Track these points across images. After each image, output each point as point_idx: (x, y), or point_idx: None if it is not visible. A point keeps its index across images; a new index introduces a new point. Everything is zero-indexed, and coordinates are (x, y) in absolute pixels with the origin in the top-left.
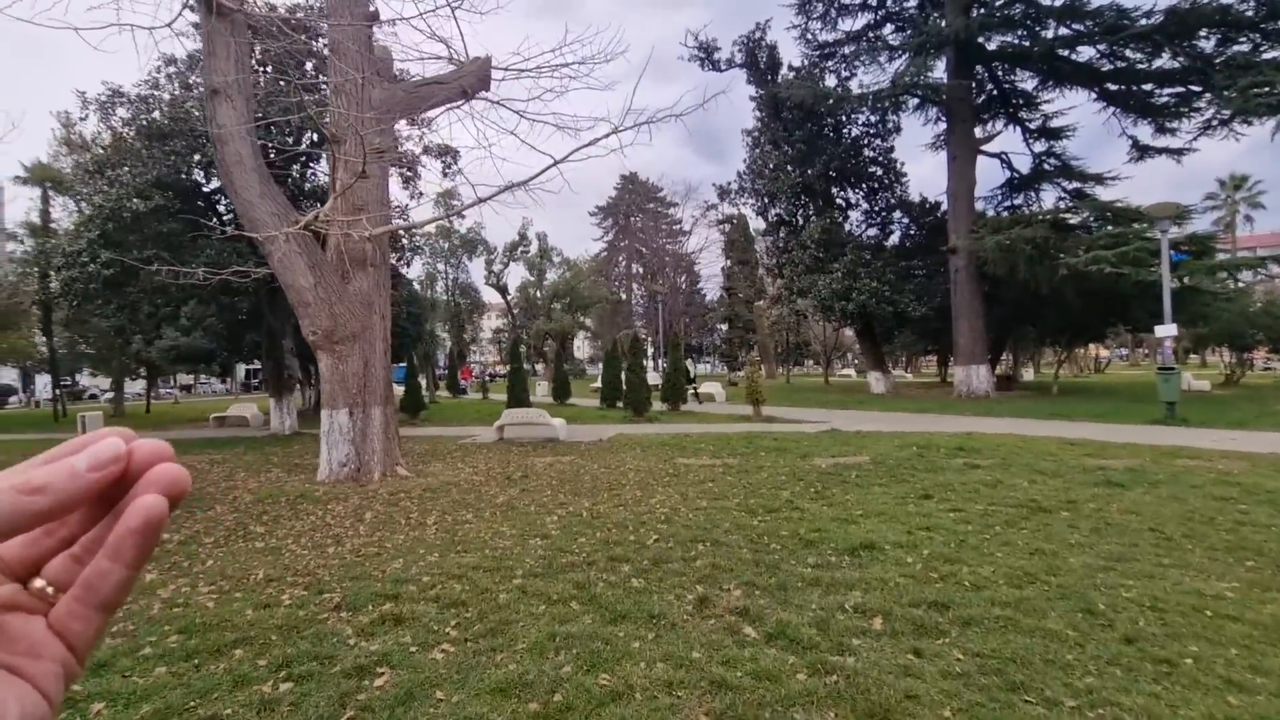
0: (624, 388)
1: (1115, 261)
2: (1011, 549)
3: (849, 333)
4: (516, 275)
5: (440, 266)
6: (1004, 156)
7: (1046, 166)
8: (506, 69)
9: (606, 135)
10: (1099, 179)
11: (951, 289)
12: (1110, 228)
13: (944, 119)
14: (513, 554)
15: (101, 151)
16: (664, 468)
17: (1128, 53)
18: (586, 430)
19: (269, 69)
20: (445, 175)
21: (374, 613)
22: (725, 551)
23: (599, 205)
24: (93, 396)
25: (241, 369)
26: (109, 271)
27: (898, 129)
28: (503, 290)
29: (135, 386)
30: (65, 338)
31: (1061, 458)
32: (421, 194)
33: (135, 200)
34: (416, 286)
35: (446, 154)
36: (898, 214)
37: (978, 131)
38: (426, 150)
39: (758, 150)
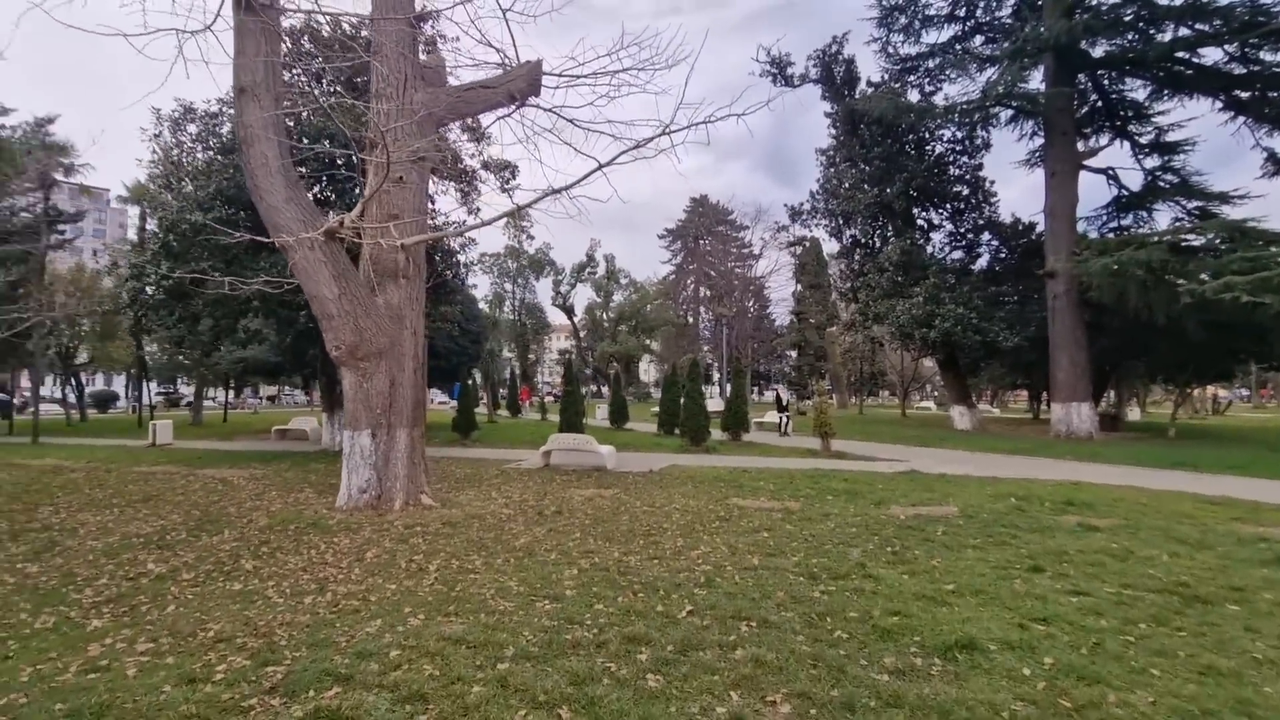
0: (682, 415)
1: (1252, 288)
2: (1171, 663)
3: (928, 363)
4: (584, 296)
5: (507, 286)
6: (1110, 172)
7: (1161, 183)
8: (560, 75)
9: (656, 135)
10: (1224, 197)
11: (1049, 317)
12: (1241, 251)
13: (1041, 133)
14: (511, 621)
15: (171, 166)
16: (715, 510)
17: (1263, 54)
18: (638, 459)
19: (338, 87)
20: (504, 190)
21: (311, 701)
22: (775, 638)
23: (667, 228)
24: (189, 404)
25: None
26: (167, 283)
27: (986, 145)
28: (569, 311)
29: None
30: (168, 348)
31: (1204, 521)
32: (479, 210)
33: (196, 213)
34: (484, 306)
35: (505, 169)
36: (986, 236)
37: (1080, 146)
38: (485, 165)
39: (832, 169)
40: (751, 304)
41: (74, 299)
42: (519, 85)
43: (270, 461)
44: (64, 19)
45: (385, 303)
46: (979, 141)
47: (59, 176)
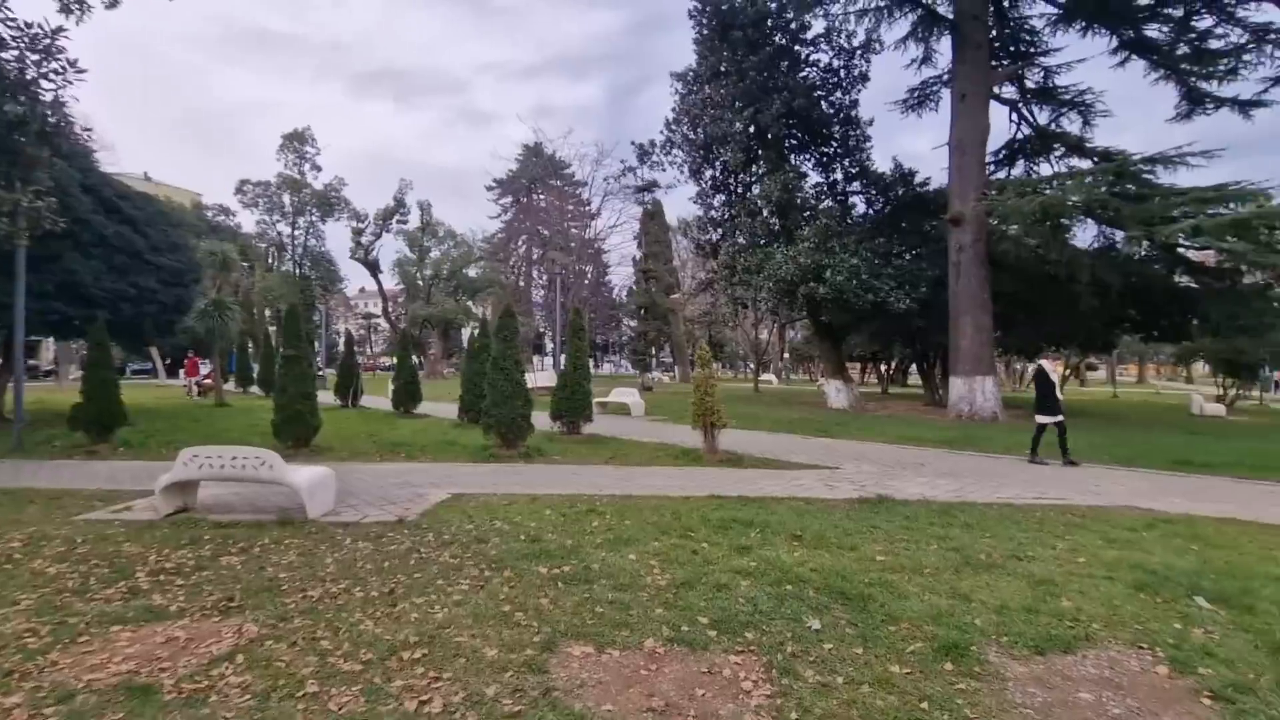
0: (488, 397)
1: (1218, 231)
2: None
3: (764, 334)
4: (393, 250)
5: (283, 228)
6: (1018, 107)
7: (1059, 128)
8: None
9: None
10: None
11: (951, 274)
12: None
13: (934, 58)
14: None
15: None
16: None
17: None
18: (400, 477)
19: None
20: None
21: None
22: None
23: (496, 179)
24: None
25: None
26: None
27: (864, 78)
28: (373, 266)
29: None
30: None
31: None
32: None
33: None
34: (257, 246)
35: None
36: (856, 185)
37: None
38: None
39: (692, 95)
40: (589, 270)
41: None
42: None
43: None
44: None
45: None
46: (856, 72)
47: None
